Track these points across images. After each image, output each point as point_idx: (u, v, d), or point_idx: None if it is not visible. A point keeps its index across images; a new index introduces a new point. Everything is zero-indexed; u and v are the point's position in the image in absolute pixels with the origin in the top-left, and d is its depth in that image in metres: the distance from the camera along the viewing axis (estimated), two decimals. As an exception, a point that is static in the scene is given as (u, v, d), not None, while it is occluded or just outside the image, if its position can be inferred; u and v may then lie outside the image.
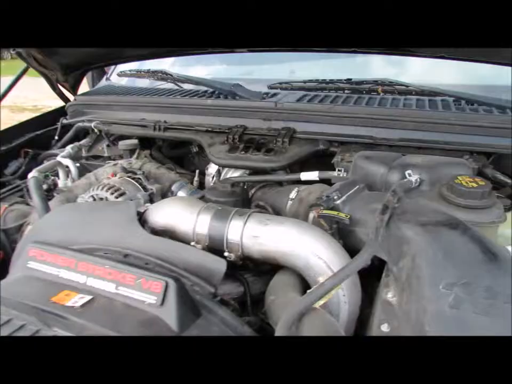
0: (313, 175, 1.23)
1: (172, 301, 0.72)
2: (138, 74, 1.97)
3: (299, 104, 1.46)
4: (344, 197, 0.98)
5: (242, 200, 1.18)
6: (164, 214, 0.99)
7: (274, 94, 1.60)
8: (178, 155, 1.82)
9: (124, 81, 2.20)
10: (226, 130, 1.47)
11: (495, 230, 0.93)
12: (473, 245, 0.76)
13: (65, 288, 0.79)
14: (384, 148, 1.29)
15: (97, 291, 0.77)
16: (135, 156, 1.54)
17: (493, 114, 1.32)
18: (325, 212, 0.94)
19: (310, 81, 1.65)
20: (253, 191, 1.35)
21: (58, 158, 1.69)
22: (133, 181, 1.26)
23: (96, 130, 1.79)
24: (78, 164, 1.69)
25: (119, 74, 2.18)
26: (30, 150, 1.92)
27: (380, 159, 1.09)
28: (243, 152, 1.37)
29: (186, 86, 1.87)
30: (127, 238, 0.92)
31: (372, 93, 1.56)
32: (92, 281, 0.78)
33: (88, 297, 0.76)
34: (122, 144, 1.57)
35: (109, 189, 1.19)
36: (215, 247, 0.93)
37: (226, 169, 1.46)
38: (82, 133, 1.93)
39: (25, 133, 1.96)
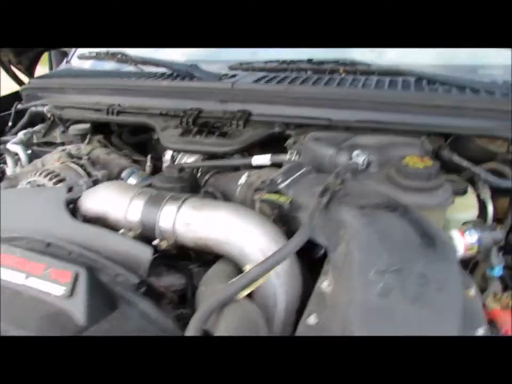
0: (265, 158, 1.17)
1: (81, 292, 0.66)
2: (97, 56, 1.88)
3: (255, 85, 1.39)
4: (288, 181, 0.93)
5: (190, 186, 1.12)
6: (96, 200, 0.92)
7: (233, 76, 1.53)
8: (139, 141, 1.74)
9: (85, 65, 2.10)
10: (181, 114, 1.39)
11: (443, 213, 0.89)
12: (410, 228, 0.72)
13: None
14: (340, 129, 1.24)
15: (5, 283, 0.71)
16: (86, 141, 1.46)
17: (451, 93, 1.27)
18: (265, 196, 0.89)
19: (271, 61, 1.58)
20: (206, 177, 1.29)
21: (8, 145, 1.60)
22: (76, 166, 1.19)
23: (49, 115, 1.70)
24: (29, 151, 1.61)
25: (79, 57, 2.08)
26: (-19, 137, 1.82)
27: (329, 140, 1.04)
28: (196, 136, 1.30)
29: (147, 69, 1.78)
30: (52, 225, 0.86)
31: (334, 74, 1.50)
32: (6, 272, 0.72)
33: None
34: (73, 129, 1.50)
35: (47, 174, 1.12)
36: (148, 235, 0.88)
37: (181, 154, 1.39)
38: (38, 119, 1.84)
39: (-25, 119, 1.87)
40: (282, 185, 0.92)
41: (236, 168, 1.30)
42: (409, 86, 1.34)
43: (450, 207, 0.93)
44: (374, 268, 0.64)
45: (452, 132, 1.21)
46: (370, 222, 0.72)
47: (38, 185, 1.12)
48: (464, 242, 0.80)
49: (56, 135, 1.71)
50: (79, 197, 0.94)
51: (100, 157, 1.35)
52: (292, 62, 1.57)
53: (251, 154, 1.32)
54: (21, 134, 1.68)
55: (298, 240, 0.70)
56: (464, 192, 1.04)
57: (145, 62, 1.71)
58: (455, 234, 0.80)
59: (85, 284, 0.66)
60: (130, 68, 1.82)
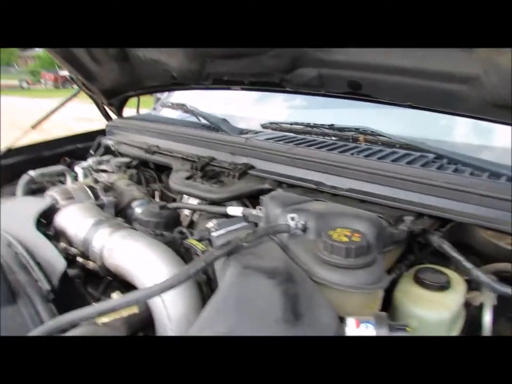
0: (237, 210, 1.20)
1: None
2: (163, 105, 2.19)
3: (263, 143, 1.45)
4: (221, 231, 0.95)
5: (165, 222, 1.21)
6: (62, 216, 1.07)
7: (257, 133, 1.62)
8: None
9: (161, 112, 2.44)
10: (195, 160, 1.53)
11: (365, 298, 0.80)
12: (279, 299, 0.67)
13: None
14: (326, 195, 1.20)
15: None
16: (121, 172, 1.68)
17: (462, 175, 1.14)
18: (190, 241, 0.92)
19: (296, 123, 1.64)
20: (199, 220, 1.37)
21: (76, 167, 1.93)
22: (87, 189, 1.38)
23: (112, 148, 2.01)
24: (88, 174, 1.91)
25: (161, 105, 2.44)
26: (67, 159, 2.22)
27: (282, 200, 1.03)
28: (196, 181, 1.40)
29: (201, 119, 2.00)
30: (19, 229, 1.02)
31: (357, 142, 1.48)
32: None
33: None
34: (114, 161, 1.74)
35: (59, 192, 1.32)
36: (86, 254, 0.98)
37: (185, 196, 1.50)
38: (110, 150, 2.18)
39: (69, 144, 2.29)
40: (215, 234, 0.94)
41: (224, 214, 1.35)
42: (417, 161, 1.25)
43: (418, 300, 0.87)
44: (210, 329, 0.62)
45: (451, 219, 1.08)
46: (239, 283, 0.70)
47: (53, 199, 1.34)
48: (356, 333, 0.70)
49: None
50: (51, 210, 1.10)
51: (120, 187, 1.54)
52: (316, 125, 1.60)
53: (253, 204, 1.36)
54: (89, 160, 2.01)
55: (175, 278, 0.71)
56: (441, 287, 0.92)
57: (195, 113, 1.92)
58: (349, 321, 0.71)
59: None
60: (185, 116, 2.06)
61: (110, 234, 0.94)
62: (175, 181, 1.44)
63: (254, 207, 1.27)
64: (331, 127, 1.54)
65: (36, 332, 0.67)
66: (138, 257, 0.86)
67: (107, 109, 2.34)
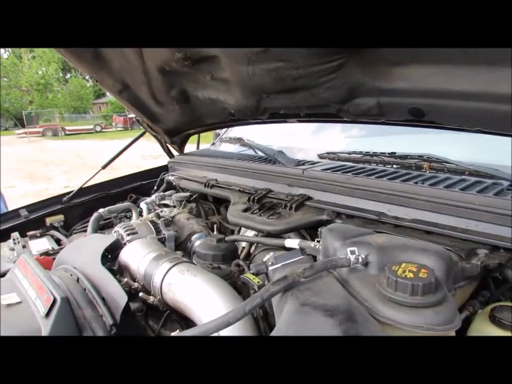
0: (295, 243, 1.17)
1: (53, 316, 0.82)
2: (222, 140, 2.26)
3: (321, 173, 1.43)
4: (278, 265, 0.92)
5: (223, 255, 1.21)
6: (125, 252, 1.11)
7: (314, 163, 1.60)
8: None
9: (220, 147, 2.53)
10: (252, 192, 1.53)
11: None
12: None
13: (14, 290, 0.98)
14: (388, 226, 1.14)
15: (26, 297, 0.93)
16: (181, 206, 1.74)
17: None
18: (245, 275, 0.90)
19: (355, 152, 1.59)
20: (256, 252, 1.36)
21: (141, 203, 2.04)
22: (150, 224, 1.44)
23: (174, 183, 2.10)
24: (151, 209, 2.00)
25: (214, 142, 2.53)
26: (133, 195, 2.35)
27: (341, 232, 0.98)
28: (254, 213, 1.40)
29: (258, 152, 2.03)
30: (86, 265, 1.08)
31: (421, 170, 1.41)
32: (31, 290, 0.95)
33: (16, 300, 0.93)
34: (175, 196, 1.81)
35: (124, 228, 1.39)
36: (147, 288, 1.00)
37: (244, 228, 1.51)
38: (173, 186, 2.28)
39: (134, 181, 2.43)
40: (271, 268, 0.92)
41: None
42: (490, 189, 1.14)
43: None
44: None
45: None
46: (297, 322, 0.66)
47: (119, 234, 1.41)
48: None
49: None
50: (117, 245, 1.15)
51: (180, 220, 1.59)
52: (375, 154, 1.54)
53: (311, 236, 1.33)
54: (153, 196, 2.11)
55: (231, 315, 0.70)
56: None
57: (252, 146, 1.96)
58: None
59: (57, 310, 0.82)
60: (243, 149, 2.11)
61: (169, 269, 0.95)
62: (233, 213, 1.45)
63: (313, 239, 1.24)
64: (392, 155, 1.48)
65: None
66: (195, 293, 0.86)
67: (170, 147, 2.47)
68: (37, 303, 0.88)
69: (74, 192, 2.17)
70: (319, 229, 1.17)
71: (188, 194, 1.83)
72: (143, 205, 1.98)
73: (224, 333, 0.76)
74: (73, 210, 2.13)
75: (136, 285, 1.01)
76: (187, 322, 1.05)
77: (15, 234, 1.81)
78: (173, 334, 0.77)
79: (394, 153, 1.49)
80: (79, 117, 30.55)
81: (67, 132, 23.60)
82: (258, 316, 0.88)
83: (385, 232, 1.04)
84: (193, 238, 1.51)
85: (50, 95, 29.75)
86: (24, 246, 1.77)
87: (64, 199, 2.14)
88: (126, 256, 1.11)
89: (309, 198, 1.38)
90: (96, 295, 0.94)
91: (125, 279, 1.03)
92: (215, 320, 0.70)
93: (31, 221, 2.00)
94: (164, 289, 0.94)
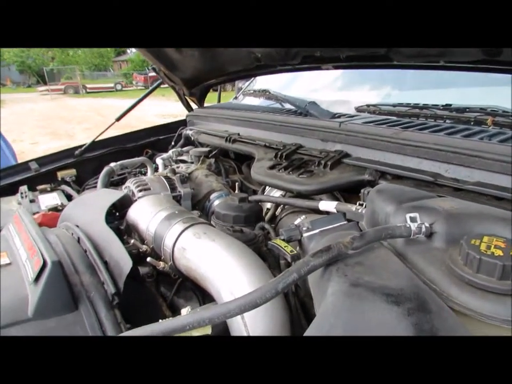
0: (330, 205, 0.99)
1: (42, 283, 0.68)
2: (245, 94, 2.05)
3: (362, 126, 1.22)
4: (315, 231, 0.75)
5: (245, 216, 1.05)
6: (133, 209, 0.96)
7: (352, 117, 1.39)
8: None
9: (244, 101, 2.31)
10: (280, 148, 1.35)
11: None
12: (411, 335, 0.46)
13: (7, 249, 0.85)
14: (445, 190, 0.94)
15: (17, 257, 0.80)
16: (199, 162, 1.57)
17: None
18: (274, 241, 0.74)
19: (400, 105, 1.37)
20: (283, 214, 1.19)
21: (157, 158, 1.88)
22: (164, 180, 1.28)
23: (192, 138, 1.93)
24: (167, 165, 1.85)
25: (243, 94, 2.31)
26: (150, 151, 2.20)
27: (394, 194, 0.79)
28: (282, 171, 1.22)
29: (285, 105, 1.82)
30: (90, 223, 0.93)
31: (483, 126, 1.18)
32: (21, 250, 0.82)
33: (6, 261, 0.79)
34: (193, 151, 1.64)
35: (136, 183, 1.24)
36: (157, 252, 0.85)
37: (269, 187, 1.33)
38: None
39: (151, 136, 2.27)
40: (306, 234, 0.75)
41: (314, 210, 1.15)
42: None
43: None
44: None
45: None
46: (349, 308, 0.50)
47: (129, 190, 1.26)
48: None
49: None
50: (127, 202, 1.00)
51: (198, 177, 1.42)
52: (426, 106, 1.31)
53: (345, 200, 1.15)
54: (170, 152, 1.94)
55: (248, 300, 0.54)
56: None
57: (279, 98, 1.74)
58: None
59: (47, 275, 0.68)
60: (269, 103, 1.89)
61: (183, 231, 0.79)
62: (257, 170, 1.27)
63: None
64: (447, 107, 1.25)
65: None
66: (213, 261, 0.70)
67: (189, 100, 2.28)
68: (26, 265, 0.75)
69: (87, 145, 2.03)
70: (361, 191, 0.98)
71: (207, 149, 1.65)
72: (159, 161, 1.82)
73: (249, 313, 0.61)
74: (86, 164, 2.00)
75: (144, 247, 0.87)
76: (203, 291, 0.91)
77: (23, 188, 1.70)
78: (183, 311, 0.61)
79: (450, 105, 1.26)
80: (100, 75, 30.29)
81: (88, 90, 23.49)
82: (290, 292, 0.72)
83: (448, 197, 0.85)
84: (212, 196, 1.35)
85: (71, 51, 29.48)
86: (32, 201, 1.66)
87: (76, 152, 2.01)
88: (135, 214, 0.96)
89: (347, 155, 1.19)
90: (98, 259, 0.80)
91: (132, 241, 0.88)
92: (239, 299, 0.54)
93: (41, 174, 1.89)
94: (176, 255, 0.79)
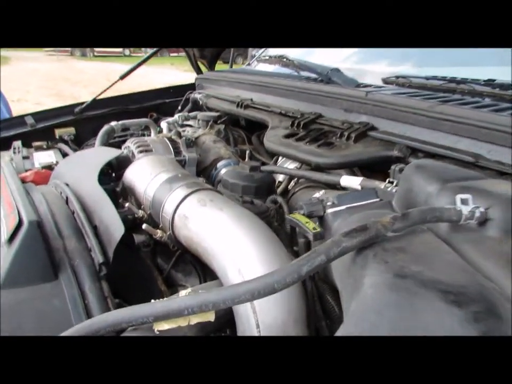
0: (355, 181, 0.88)
1: (15, 245, 0.57)
2: (259, 60, 1.91)
3: (392, 98, 1.09)
4: (341, 207, 0.64)
5: (256, 187, 0.94)
6: (131, 169, 0.85)
7: (380, 87, 1.25)
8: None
9: (258, 67, 2.16)
10: (298, 116, 1.22)
11: None
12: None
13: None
14: (489, 173, 0.82)
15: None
16: (207, 127, 1.45)
17: None
18: (293, 216, 0.62)
19: (435, 78, 1.23)
20: (296, 189, 1.08)
21: (162, 122, 1.76)
22: (168, 142, 1.16)
23: (200, 102, 1.80)
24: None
25: (258, 60, 2.16)
26: (154, 114, 2.07)
27: (437, 172, 0.67)
28: (299, 140, 1.10)
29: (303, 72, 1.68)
30: (81, 181, 0.82)
31: None
32: (1, 207, 0.71)
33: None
34: (201, 115, 1.52)
35: (137, 143, 1.12)
36: (154, 219, 0.74)
37: (283, 158, 1.21)
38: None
39: (157, 99, 2.14)
40: (331, 210, 0.63)
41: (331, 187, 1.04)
42: None
43: None
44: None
45: None
46: (397, 304, 0.39)
47: (129, 151, 1.14)
48: None
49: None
50: (125, 162, 0.89)
51: (205, 142, 1.31)
52: (464, 80, 1.17)
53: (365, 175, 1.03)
54: (176, 116, 1.82)
55: (263, 284, 0.43)
56: None
57: (297, 65, 1.60)
58: None
59: (23, 236, 0.57)
60: (286, 71, 1.75)
61: (186, 197, 0.68)
62: (271, 139, 1.15)
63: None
64: (489, 82, 1.11)
65: (67, 333, 0.44)
66: (220, 233, 0.59)
67: (199, 63, 2.13)
68: (3, 223, 0.64)
69: (88, 103, 1.89)
70: (392, 167, 0.87)
71: (216, 114, 1.53)
72: (163, 124, 1.69)
73: (259, 300, 0.50)
74: (86, 123, 1.88)
75: (141, 213, 0.76)
76: (204, 266, 0.81)
77: (17, 143, 1.59)
78: (182, 293, 0.51)
79: (493, 80, 1.12)
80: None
81: (96, 53, 23.01)
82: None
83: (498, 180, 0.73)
84: (219, 164, 1.24)
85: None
86: (26, 157, 1.56)
87: (76, 110, 1.88)
88: (132, 174, 0.85)
89: (373, 128, 1.06)
90: (86, 222, 0.69)
91: (127, 204, 0.77)
92: (251, 282, 0.43)
93: (37, 130, 1.77)
94: (177, 223, 0.68)
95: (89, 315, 0.57)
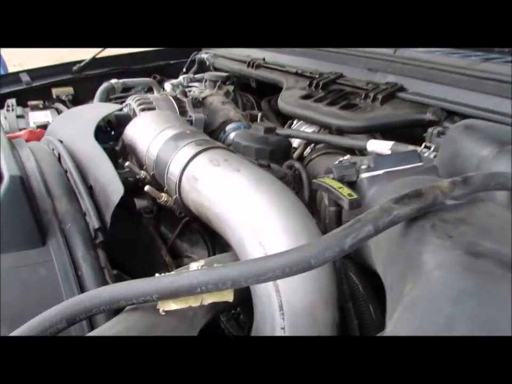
0: (384, 145, 0.78)
1: (-3, 205, 0.48)
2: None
3: (424, 54, 0.97)
4: (378, 172, 0.54)
5: (271, 151, 0.84)
6: (132, 125, 0.75)
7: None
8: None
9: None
10: (316, 76, 1.11)
11: None
12: None
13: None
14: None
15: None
16: (216, 87, 1.33)
17: None
18: (322, 180, 0.53)
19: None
20: (313, 155, 0.98)
21: (166, 83, 1.64)
22: (173, 100, 1.05)
23: (207, 63, 1.67)
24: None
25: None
26: (158, 76, 1.94)
27: (491, 134, 0.57)
28: (318, 102, 0.99)
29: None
30: (76, 138, 0.72)
31: None
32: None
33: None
34: (208, 74, 1.40)
35: (138, 100, 1.01)
36: (158, 181, 0.65)
37: (299, 121, 1.11)
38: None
39: (160, 60, 2.00)
40: (365, 175, 0.54)
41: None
42: None
43: None
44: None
45: None
46: (476, 292, 0.30)
47: (130, 108, 1.04)
48: None
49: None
50: (125, 120, 0.79)
51: (213, 103, 1.20)
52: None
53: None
54: (181, 78, 1.69)
55: (295, 259, 0.35)
56: None
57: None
58: None
59: (2, 195, 0.48)
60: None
61: (195, 155, 0.59)
62: (287, 100, 1.04)
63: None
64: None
65: (55, 310, 0.36)
66: (237, 197, 0.50)
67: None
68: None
69: (87, 61, 1.77)
70: (428, 130, 0.76)
71: (224, 74, 1.41)
72: (167, 86, 1.58)
73: (284, 281, 0.42)
74: (85, 83, 1.75)
75: (143, 174, 0.66)
76: (214, 236, 0.72)
77: (11, 101, 1.49)
78: (192, 266, 0.42)
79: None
80: None
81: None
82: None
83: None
84: (228, 127, 1.13)
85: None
86: (21, 116, 1.46)
87: (75, 68, 1.75)
88: (133, 131, 0.75)
89: (402, 89, 0.95)
90: (80, 182, 0.60)
91: (127, 163, 0.68)
92: (281, 255, 0.35)
93: (33, 89, 1.66)
94: (184, 186, 0.59)
95: (82, 288, 0.49)
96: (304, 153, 1.04)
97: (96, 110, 0.82)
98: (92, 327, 0.45)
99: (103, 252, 0.55)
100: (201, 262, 0.39)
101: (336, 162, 0.58)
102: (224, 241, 0.73)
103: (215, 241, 0.73)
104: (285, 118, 1.24)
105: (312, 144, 1.03)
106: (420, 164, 0.56)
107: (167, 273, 0.37)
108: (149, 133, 0.70)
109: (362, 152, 0.93)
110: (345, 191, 0.49)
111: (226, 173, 0.54)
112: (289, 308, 0.45)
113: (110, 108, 0.81)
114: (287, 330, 0.45)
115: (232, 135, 1.11)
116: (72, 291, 0.48)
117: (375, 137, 0.97)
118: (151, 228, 0.74)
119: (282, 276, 0.34)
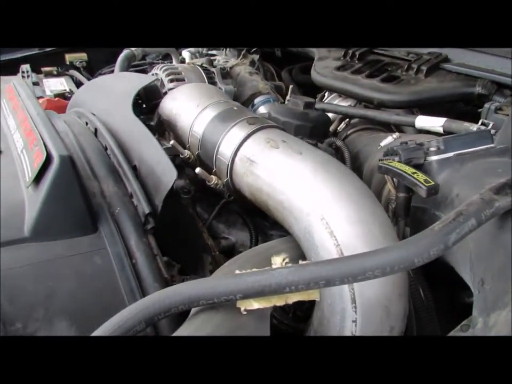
0: (436, 122, 0.73)
1: (45, 186, 0.45)
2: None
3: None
4: (449, 154, 0.50)
5: (311, 128, 0.79)
6: (171, 99, 0.70)
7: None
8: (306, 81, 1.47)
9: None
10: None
11: None
12: None
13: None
14: None
15: (11, 145, 0.56)
16: (240, 57, 1.27)
17: None
18: (388, 163, 0.49)
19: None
20: (350, 131, 0.94)
21: (183, 51, 1.57)
22: (202, 71, 1.00)
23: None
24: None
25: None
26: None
27: None
28: (355, 74, 0.94)
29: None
30: (111, 111, 0.68)
31: None
32: (16, 135, 0.58)
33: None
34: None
35: (166, 70, 0.96)
36: (205, 162, 0.61)
37: (333, 94, 1.05)
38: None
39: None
40: (435, 157, 0.50)
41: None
42: None
43: None
44: None
45: None
46: None
47: (158, 80, 0.98)
48: None
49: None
50: (155, 93, 0.74)
51: (241, 74, 1.14)
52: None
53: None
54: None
55: (400, 254, 0.32)
56: None
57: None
58: None
59: (52, 176, 0.44)
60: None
61: (249, 135, 0.55)
62: (321, 71, 0.98)
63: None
64: None
65: (135, 309, 0.33)
66: (303, 183, 0.46)
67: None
68: (23, 158, 0.51)
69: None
70: (485, 105, 0.72)
71: (248, 42, 1.33)
72: (185, 53, 1.50)
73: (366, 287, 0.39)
74: (99, 49, 1.68)
75: (187, 153, 0.63)
76: (254, 218, 0.70)
77: (25, 67, 1.43)
78: (276, 260, 0.39)
79: None
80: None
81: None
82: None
83: None
84: (256, 100, 1.08)
85: None
86: (36, 83, 1.40)
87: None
88: (172, 105, 0.71)
89: (447, 60, 0.90)
90: (124, 161, 0.56)
91: (172, 142, 0.64)
92: (379, 253, 0.32)
93: (46, 54, 1.59)
94: (238, 169, 0.55)
95: (138, 278, 0.47)
96: (338, 128, 1.00)
97: (129, 81, 0.77)
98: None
99: (154, 238, 0.52)
100: (283, 256, 0.36)
101: (399, 143, 0.54)
102: (263, 223, 0.71)
103: (255, 224, 0.70)
104: (307, 89, 1.19)
105: (347, 119, 0.98)
106: (492, 145, 0.52)
107: (249, 271, 0.35)
108: (192, 108, 0.66)
109: (400, 128, 0.89)
110: (421, 177, 0.46)
111: (288, 155, 0.50)
112: (362, 300, 0.42)
113: (142, 80, 0.76)
114: (359, 323, 0.43)
115: (262, 109, 1.06)
116: (129, 281, 0.46)
117: (412, 113, 0.92)
118: (190, 209, 0.71)
119: (381, 275, 0.32)
